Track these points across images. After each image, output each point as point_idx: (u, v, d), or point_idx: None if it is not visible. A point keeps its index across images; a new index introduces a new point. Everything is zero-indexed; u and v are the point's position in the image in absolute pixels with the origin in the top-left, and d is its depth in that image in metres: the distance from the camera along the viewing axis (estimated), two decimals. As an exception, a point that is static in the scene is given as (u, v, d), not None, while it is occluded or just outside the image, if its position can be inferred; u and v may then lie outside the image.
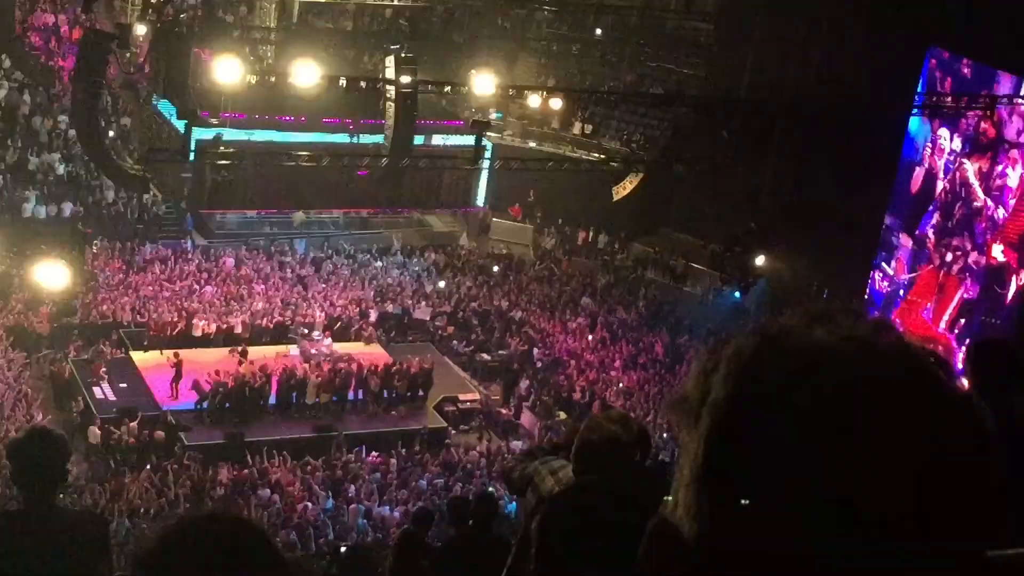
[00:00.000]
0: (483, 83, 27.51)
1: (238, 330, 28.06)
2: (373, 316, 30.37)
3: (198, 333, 27.67)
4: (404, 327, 30.69)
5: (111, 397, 24.88)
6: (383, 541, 18.67)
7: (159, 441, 23.54)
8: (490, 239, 36.96)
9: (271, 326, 28.70)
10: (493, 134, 33.74)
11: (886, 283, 31.19)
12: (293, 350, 27.67)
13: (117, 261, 30.11)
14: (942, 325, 28.50)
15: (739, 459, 0.96)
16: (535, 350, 30.27)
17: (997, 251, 27.48)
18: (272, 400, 25.78)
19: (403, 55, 26.38)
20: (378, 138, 29.32)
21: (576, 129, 36.14)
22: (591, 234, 36.92)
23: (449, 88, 29.33)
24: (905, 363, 0.98)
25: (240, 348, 26.82)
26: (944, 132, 29.13)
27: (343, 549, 17.24)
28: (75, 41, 31.19)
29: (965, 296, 28.26)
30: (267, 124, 31.49)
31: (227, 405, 25.09)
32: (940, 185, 29.27)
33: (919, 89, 28.91)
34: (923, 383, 0.97)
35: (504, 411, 27.98)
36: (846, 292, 29.56)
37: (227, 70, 24.73)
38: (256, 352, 26.86)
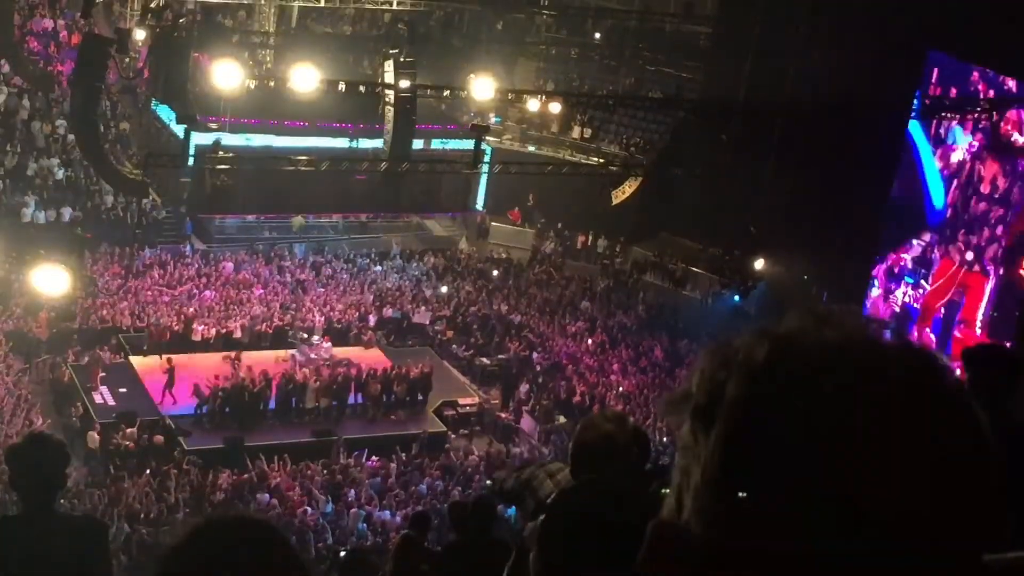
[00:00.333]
0: (482, 87, 27.57)
1: (237, 334, 28.05)
2: (372, 320, 30.37)
3: (197, 338, 27.66)
4: (403, 331, 30.68)
5: (110, 402, 24.87)
6: (383, 545, 18.62)
7: (158, 446, 23.48)
8: (489, 243, 36.98)
9: (270, 330, 28.68)
10: (492, 138, 33.81)
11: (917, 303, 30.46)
12: (294, 354, 27.68)
13: (116, 266, 30.11)
14: (978, 329, 28.16)
15: (758, 461, 0.95)
16: (535, 354, 30.26)
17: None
18: (271, 405, 25.76)
19: (402, 59, 26.47)
20: (377, 142, 29.40)
21: (575, 133, 36.17)
22: (590, 238, 36.91)
23: (448, 92, 29.39)
24: (906, 362, 0.98)
25: (234, 353, 26.79)
26: (959, 132, 29.02)
27: (343, 553, 17.17)
28: (74, 46, 31.26)
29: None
30: (266, 129, 31.52)
31: (227, 410, 25.09)
32: (954, 192, 29.14)
33: (918, 92, 28.93)
34: (924, 382, 0.97)
35: (504, 415, 27.97)
36: (845, 295, 29.55)
37: (226, 75, 24.80)
38: (256, 357, 26.84)
